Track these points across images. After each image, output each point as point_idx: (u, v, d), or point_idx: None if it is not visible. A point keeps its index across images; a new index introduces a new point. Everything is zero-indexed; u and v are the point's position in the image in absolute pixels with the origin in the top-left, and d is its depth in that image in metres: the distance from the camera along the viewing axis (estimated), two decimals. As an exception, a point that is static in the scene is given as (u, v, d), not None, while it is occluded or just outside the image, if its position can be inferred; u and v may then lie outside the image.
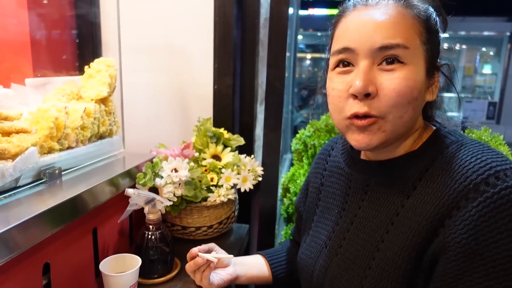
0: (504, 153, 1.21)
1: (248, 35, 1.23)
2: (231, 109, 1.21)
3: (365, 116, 0.57)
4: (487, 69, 10.65)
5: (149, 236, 0.86)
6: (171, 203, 0.90)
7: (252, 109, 1.27)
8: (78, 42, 1.24)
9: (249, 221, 1.31)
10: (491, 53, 10.53)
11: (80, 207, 0.75)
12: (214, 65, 1.21)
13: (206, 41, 1.21)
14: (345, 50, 0.58)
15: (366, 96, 0.56)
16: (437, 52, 0.61)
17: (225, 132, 1.11)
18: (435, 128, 0.64)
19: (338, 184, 0.74)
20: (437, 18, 0.60)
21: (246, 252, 1.29)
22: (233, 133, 1.16)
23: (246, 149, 1.25)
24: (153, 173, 0.92)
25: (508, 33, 9.32)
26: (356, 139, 0.59)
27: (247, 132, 1.27)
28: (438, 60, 0.63)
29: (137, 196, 0.84)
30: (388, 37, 0.55)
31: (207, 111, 1.25)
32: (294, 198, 1.36)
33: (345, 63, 0.59)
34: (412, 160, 0.61)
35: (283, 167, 1.98)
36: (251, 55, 1.24)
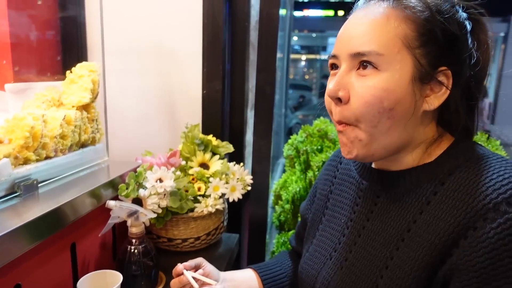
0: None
1: (238, 38, 1.19)
2: (221, 114, 1.17)
3: (339, 122, 0.57)
4: (481, 70, 10.68)
5: (132, 251, 0.82)
6: (155, 215, 0.86)
7: (242, 114, 1.23)
8: (62, 45, 1.19)
9: (239, 230, 1.27)
10: (486, 53, 10.56)
11: (58, 222, 0.71)
12: (203, 69, 1.17)
13: (195, 44, 1.17)
14: (333, 56, 0.59)
15: (338, 100, 0.56)
16: (442, 56, 0.55)
17: (213, 139, 1.07)
18: (454, 138, 0.60)
19: (348, 193, 0.70)
20: (451, 17, 0.55)
21: (237, 262, 1.25)
22: (223, 140, 1.12)
23: (236, 156, 1.22)
24: (137, 184, 0.88)
25: (502, 34, 9.37)
26: (341, 147, 0.60)
27: (237, 138, 1.23)
28: (450, 64, 0.56)
29: (118, 209, 0.80)
30: (362, 44, 0.54)
31: (196, 116, 1.21)
32: (286, 206, 1.32)
33: (335, 66, 0.60)
34: (427, 172, 0.57)
35: (277, 173, 1.94)
36: (241, 58, 1.20)
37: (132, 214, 0.82)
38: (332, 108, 0.59)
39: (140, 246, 0.83)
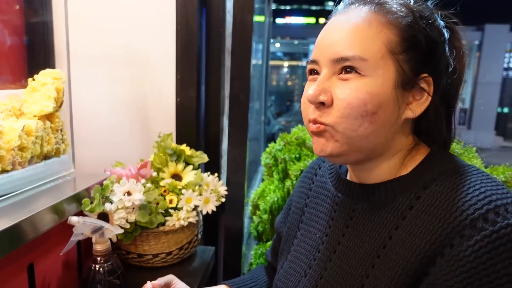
0: (477, 165, 1.19)
1: (213, 44, 1.16)
2: (195, 123, 1.13)
3: (315, 121, 0.55)
4: (458, 77, 11.00)
5: (97, 269, 0.77)
6: (122, 230, 0.81)
7: (218, 122, 1.19)
8: (28, 52, 1.13)
9: (216, 242, 1.23)
10: (462, 61, 10.89)
11: (13, 241, 0.65)
12: (177, 76, 1.13)
13: (168, 51, 1.13)
14: (312, 62, 0.57)
15: (321, 104, 0.54)
16: (424, 62, 0.54)
17: (187, 148, 1.03)
18: (429, 149, 0.58)
19: (323, 206, 0.68)
20: (432, 24, 0.55)
21: (213, 276, 1.21)
22: (198, 149, 1.08)
23: (212, 166, 1.18)
24: (103, 197, 0.83)
25: (476, 42, 9.68)
26: (313, 142, 0.57)
27: (213, 147, 1.19)
28: (432, 71, 0.55)
29: (82, 225, 0.75)
30: (345, 49, 0.52)
31: (170, 125, 1.17)
32: (264, 216, 1.29)
33: (314, 72, 0.58)
34: (402, 185, 0.55)
35: (256, 181, 1.91)
36: (216, 65, 1.17)
37: (97, 230, 0.77)
38: (309, 112, 0.57)
39: (105, 264, 0.78)
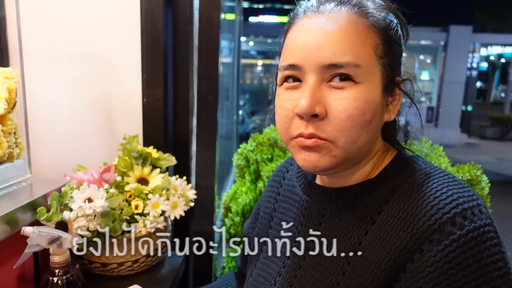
0: (445, 164, 1.21)
1: (181, 43, 1.12)
2: (163, 124, 1.09)
3: (311, 136, 0.50)
4: (425, 76, 11.41)
5: (55, 282, 0.72)
6: (82, 240, 0.77)
7: (187, 123, 1.15)
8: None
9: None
10: (428, 60, 11.30)
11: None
12: (143, 75, 1.08)
13: (133, 50, 1.08)
14: (292, 67, 0.51)
15: (313, 116, 0.49)
16: (398, 65, 0.54)
17: (154, 151, 0.99)
18: (396, 152, 0.58)
19: (292, 211, 0.66)
20: (398, 27, 0.54)
21: (183, 282, 1.17)
22: (166, 151, 1.04)
23: (182, 168, 1.14)
24: (61, 205, 0.78)
25: (442, 43, 10.05)
26: (303, 158, 0.52)
27: (182, 149, 1.15)
28: (400, 74, 0.56)
29: (37, 236, 0.70)
30: (337, 54, 0.48)
31: (136, 127, 1.12)
32: (236, 218, 1.26)
33: (293, 78, 0.52)
34: (371, 189, 0.54)
35: (229, 182, 1.88)
36: (184, 64, 1.13)
37: (54, 240, 0.72)
38: (297, 124, 0.51)
39: (64, 277, 0.73)
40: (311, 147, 0.50)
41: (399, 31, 0.54)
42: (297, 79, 0.52)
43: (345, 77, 0.49)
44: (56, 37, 1.08)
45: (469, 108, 11.41)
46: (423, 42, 10.47)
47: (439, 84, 10.22)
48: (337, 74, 0.49)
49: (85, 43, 1.09)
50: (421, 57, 11.37)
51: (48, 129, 1.09)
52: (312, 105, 0.49)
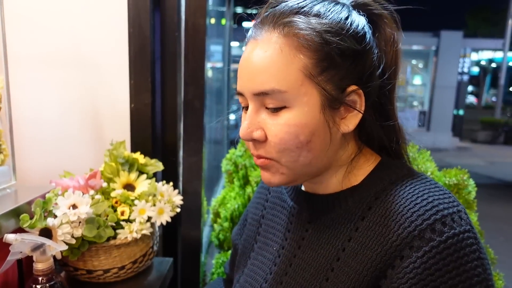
0: (431, 168, 1.23)
1: (168, 49, 1.12)
2: (151, 130, 1.09)
3: (259, 156, 0.54)
4: (417, 80, 11.52)
5: (38, 290, 0.71)
6: (66, 247, 0.76)
7: (175, 129, 1.15)
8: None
9: (175, 253, 1.19)
10: (420, 65, 11.41)
11: None
12: (130, 81, 1.08)
13: (121, 55, 1.08)
14: (239, 93, 0.55)
15: (255, 140, 0.53)
16: (347, 75, 0.52)
17: (141, 156, 0.99)
18: (380, 158, 0.58)
19: (280, 218, 0.66)
20: (346, 33, 0.50)
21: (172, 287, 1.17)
22: (154, 157, 1.04)
23: (170, 174, 1.14)
24: (45, 212, 0.77)
25: (434, 48, 10.16)
26: (261, 176, 0.56)
27: (170, 155, 1.15)
28: (361, 79, 0.52)
29: (20, 243, 0.69)
30: (264, 83, 0.50)
31: (124, 132, 1.11)
32: (225, 224, 1.26)
33: (244, 102, 0.56)
34: (355, 195, 0.55)
35: (219, 187, 1.88)
36: (172, 70, 1.13)
37: (38, 248, 0.71)
38: (250, 145, 0.56)
39: (48, 284, 0.72)
40: (261, 166, 0.55)
41: (347, 39, 0.51)
42: (246, 102, 0.55)
43: (277, 102, 0.51)
44: (43, 42, 1.07)
45: (461, 112, 11.52)
46: (414, 47, 10.58)
47: (431, 88, 10.31)
48: (267, 99, 0.51)
49: (72, 48, 1.08)
50: (413, 61, 11.48)
51: (34, 135, 1.09)
52: (249, 131, 0.52)
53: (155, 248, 1.00)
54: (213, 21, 2.04)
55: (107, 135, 1.11)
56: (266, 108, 0.52)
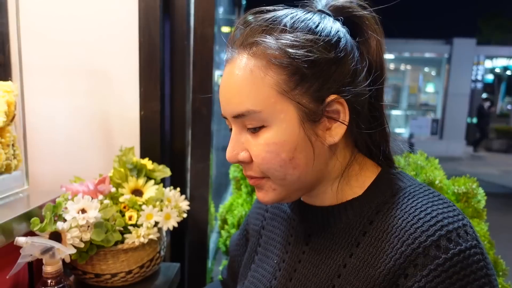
0: (440, 177, 1.21)
1: (178, 57, 1.15)
2: (159, 136, 1.11)
3: (250, 176, 0.54)
4: (430, 88, 11.40)
5: (47, 292, 0.73)
6: (75, 250, 0.78)
7: (183, 136, 1.17)
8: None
9: (183, 259, 1.20)
10: (433, 73, 11.30)
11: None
12: (140, 89, 1.11)
13: (131, 64, 1.11)
14: (223, 116, 0.55)
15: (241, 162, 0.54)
16: (323, 86, 0.50)
17: (149, 162, 1.00)
18: (380, 168, 0.56)
19: (280, 229, 0.65)
20: (316, 43, 0.49)
21: (178, 293, 1.17)
22: (162, 163, 1.06)
23: (177, 180, 1.15)
24: (55, 216, 0.79)
25: (446, 55, 10.06)
26: (256, 195, 0.57)
27: (178, 161, 1.17)
28: (342, 88, 0.50)
29: (30, 246, 0.71)
30: (238, 105, 0.50)
31: (134, 139, 1.14)
32: (232, 230, 1.27)
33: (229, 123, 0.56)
34: (355, 208, 0.53)
35: (227, 193, 1.89)
36: (181, 78, 1.15)
37: (47, 251, 0.73)
38: (241, 165, 0.56)
39: (56, 287, 0.74)
40: (254, 185, 0.55)
41: (318, 48, 0.49)
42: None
43: (255, 123, 0.51)
44: (56, 51, 1.11)
45: (474, 120, 11.35)
46: (427, 55, 10.49)
47: (443, 96, 10.19)
48: (247, 121, 0.51)
49: (84, 57, 1.12)
50: (426, 69, 11.38)
51: (46, 141, 1.12)
52: (234, 154, 0.53)
53: (162, 253, 1.01)
54: (223, 29, 2.07)
55: (117, 141, 1.14)
56: (248, 129, 0.52)
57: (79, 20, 1.10)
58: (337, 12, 0.54)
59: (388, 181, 0.54)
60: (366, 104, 0.54)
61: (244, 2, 2.34)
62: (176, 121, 1.17)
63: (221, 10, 2.01)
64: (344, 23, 0.54)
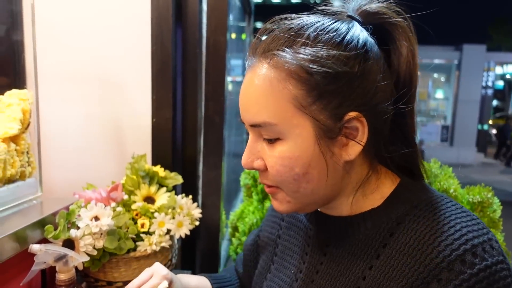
0: (454, 186, 1.19)
1: (190, 65, 1.15)
2: (171, 144, 1.11)
3: (265, 184, 0.54)
4: (439, 94, 11.32)
5: (60, 300, 0.73)
6: (88, 258, 0.78)
7: (195, 143, 1.17)
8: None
9: (194, 266, 1.19)
10: (442, 79, 11.22)
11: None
12: (152, 96, 1.11)
13: (144, 72, 1.12)
14: (242, 121, 0.55)
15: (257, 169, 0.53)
16: (344, 102, 0.47)
17: (161, 170, 1.01)
18: (400, 179, 0.54)
19: (297, 239, 0.64)
20: (337, 59, 0.46)
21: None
22: (174, 170, 1.06)
23: (189, 187, 1.15)
24: (69, 223, 0.79)
25: (456, 61, 9.99)
26: (272, 203, 0.57)
27: (190, 169, 1.17)
28: (363, 103, 0.48)
29: (44, 253, 0.71)
30: (255, 115, 0.50)
31: (146, 146, 1.14)
32: (243, 238, 1.26)
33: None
34: (375, 219, 0.52)
35: (237, 201, 1.88)
36: (193, 85, 1.16)
37: (61, 258, 0.73)
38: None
39: (69, 295, 0.74)
40: (270, 193, 0.55)
41: (340, 62, 0.46)
42: None
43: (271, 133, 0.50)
44: (70, 60, 1.12)
45: (485, 127, 11.21)
46: (436, 61, 10.43)
47: (453, 102, 10.10)
48: (263, 132, 0.50)
49: (97, 65, 1.13)
50: (435, 75, 11.31)
51: (59, 148, 1.13)
52: (249, 161, 0.52)
53: (173, 260, 1.00)
54: (233, 36, 2.08)
55: (129, 149, 1.14)
56: (264, 139, 0.51)
57: (93, 29, 1.11)
58: (368, 18, 0.52)
59: (409, 192, 0.53)
60: (389, 123, 0.51)
61: (253, 8, 2.36)
62: (188, 129, 1.17)
63: (231, 17, 2.02)
64: (374, 31, 0.51)
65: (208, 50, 1.06)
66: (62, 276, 0.73)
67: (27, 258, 0.75)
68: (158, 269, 0.66)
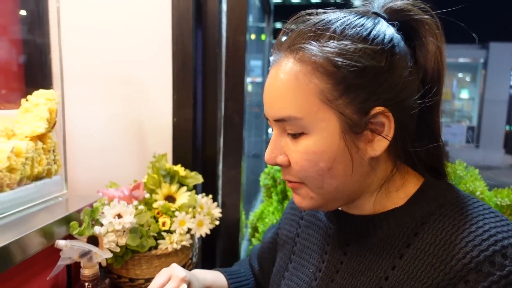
0: (481, 187, 1.15)
1: (210, 65, 1.16)
2: (191, 143, 1.12)
3: (288, 180, 0.54)
4: (464, 94, 10.99)
5: (84, 295, 0.75)
6: (111, 254, 0.79)
7: (215, 143, 1.18)
8: (25, 72, 1.14)
9: (214, 266, 1.20)
10: (467, 78, 10.90)
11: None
12: (173, 96, 1.13)
13: (165, 72, 1.13)
14: (266, 117, 0.55)
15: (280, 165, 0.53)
16: (370, 97, 0.47)
17: (182, 169, 1.02)
18: (424, 178, 0.53)
19: (316, 238, 0.64)
20: (365, 53, 0.46)
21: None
22: (194, 170, 1.07)
23: (209, 187, 1.16)
24: (93, 220, 0.81)
25: (482, 60, 9.68)
26: (293, 198, 0.56)
27: (210, 168, 1.17)
28: (390, 99, 0.48)
29: (69, 249, 0.73)
30: (280, 109, 0.49)
31: (166, 145, 1.16)
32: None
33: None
34: (398, 219, 0.51)
35: (257, 201, 1.88)
36: (213, 85, 1.16)
37: (85, 254, 0.75)
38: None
39: (93, 290, 0.75)
40: (292, 189, 0.54)
41: (367, 56, 0.46)
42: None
43: (296, 128, 0.49)
44: (94, 60, 1.15)
45: (514, 127, 10.81)
46: (461, 60, 10.14)
47: (479, 103, 9.79)
48: (288, 126, 0.50)
49: (120, 66, 1.15)
50: (460, 75, 10.99)
51: (83, 147, 1.16)
52: (273, 156, 0.52)
53: (194, 259, 1.01)
54: (253, 36, 2.09)
55: (150, 148, 1.16)
56: (288, 134, 0.51)
57: (115, 30, 1.13)
58: (394, 15, 0.51)
59: (434, 191, 0.52)
60: (415, 118, 0.51)
61: (273, 8, 2.35)
62: (208, 128, 1.18)
63: (250, 17, 2.03)
64: (400, 27, 0.51)
65: (227, 50, 1.06)
66: (86, 272, 0.75)
67: (53, 253, 0.77)
68: (176, 271, 0.66)
